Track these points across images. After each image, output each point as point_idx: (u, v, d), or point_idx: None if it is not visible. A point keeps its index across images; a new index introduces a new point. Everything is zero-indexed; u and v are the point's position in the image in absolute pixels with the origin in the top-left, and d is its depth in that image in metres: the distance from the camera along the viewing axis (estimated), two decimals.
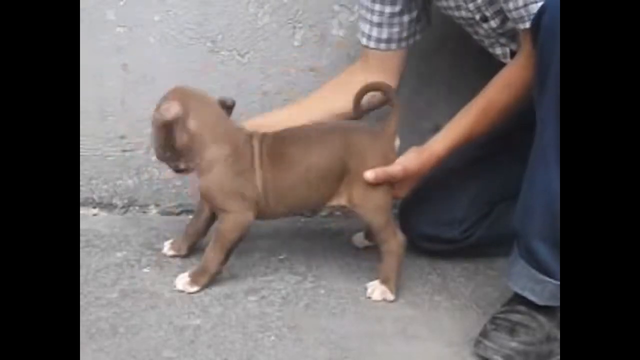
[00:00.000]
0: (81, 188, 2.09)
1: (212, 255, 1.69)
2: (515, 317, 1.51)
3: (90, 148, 2.08)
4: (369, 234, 1.89)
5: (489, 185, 1.87)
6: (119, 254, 1.88)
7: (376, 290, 1.70)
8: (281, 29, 2.07)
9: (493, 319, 1.52)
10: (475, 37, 1.84)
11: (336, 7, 2.07)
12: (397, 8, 1.82)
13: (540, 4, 1.52)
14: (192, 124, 1.65)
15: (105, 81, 2.06)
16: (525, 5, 1.60)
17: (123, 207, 2.13)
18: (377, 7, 1.83)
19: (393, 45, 1.86)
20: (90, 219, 2.08)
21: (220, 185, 1.66)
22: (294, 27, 2.07)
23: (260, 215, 1.70)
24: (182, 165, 1.71)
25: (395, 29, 1.84)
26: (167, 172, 2.09)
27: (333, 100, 1.83)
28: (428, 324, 1.64)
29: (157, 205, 2.13)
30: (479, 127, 1.70)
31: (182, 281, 1.70)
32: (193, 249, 1.84)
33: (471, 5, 1.74)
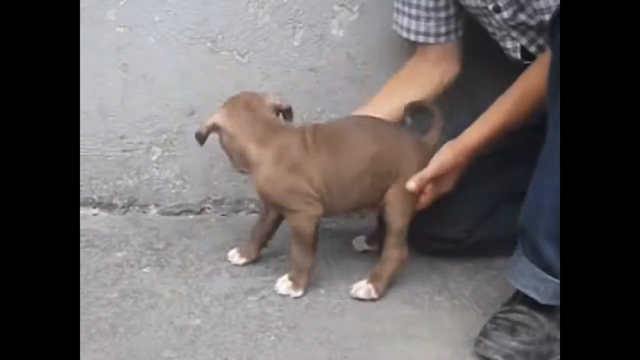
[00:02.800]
0: (81, 188, 2.09)
1: (300, 256, 1.70)
2: (516, 316, 1.51)
3: (90, 148, 2.08)
4: (371, 239, 1.90)
5: (490, 185, 1.87)
6: (119, 254, 1.88)
7: (361, 289, 1.70)
8: (281, 29, 2.07)
9: (493, 319, 1.52)
10: (488, 28, 1.83)
11: (336, 7, 2.07)
12: (431, 3, 1.85)
13: None
14: (229, 128, 1.68)
15: (105, 81, 2.06)
16: None
17: (123, 207, 2.13)
18: (414, 0, 1.86)
19: (431, 39, 1.88)
20: (90, 219, 2.08)
21: (272, 184, 1.67)
22: (294, 27, 2.07)
23: (326, 210, 1.70)
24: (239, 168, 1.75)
25: (432, 23, 1.86)
26: (168, 172, 2.11)
27: (404, 94, 1.84)
28: (428, 324, 1.64)
29: (157, 205, 2.13)
30: (517, 115, 1.69)
31: (285, 285, 1.71)
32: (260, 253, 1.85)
33: None
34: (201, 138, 1.71)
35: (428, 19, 1.86)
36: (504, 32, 1.80)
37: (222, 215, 2.13)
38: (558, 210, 1.40)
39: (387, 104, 1.84)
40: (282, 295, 1.69)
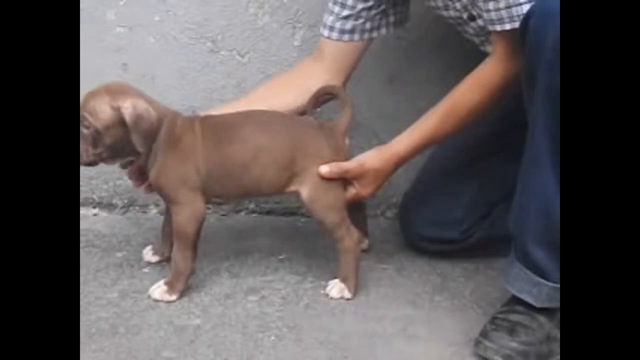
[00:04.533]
0: (81, 188, 2.09)
1: (179, 256, 1.66)
2: (515, 317, 1.51)
3: None
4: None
5: (489, 185, 1.87)
6: (119, 254, 1.88)
7: (335, 287, 1.70)
8: (281, 29, 2.07)
9: (493, 319, 1.52)
10: (466, 36, 1.84)
11: None
12: (370, 3, 1.81)
13: (523, 6, 1.53)
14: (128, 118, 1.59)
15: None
16: (508, 7, 1.59)
17: (123, 207, 2.13)
18: (350, 2, 1.81)
19: (356, 36, 1.84)
20: (90, 219, 2.08)
21: (164, 174, 1.63)
22: (294, 27, 2.07)
23: (208, 194, 1.66)
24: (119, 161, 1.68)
25: (360, 21, 1.83)
26: None
27: (284, 95, 1.81)
28: (428, 324, 1.64)
29: (157, 205, 2.13)
30: (446, 127, 1.71)
31: (159, 291, 1.67)
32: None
33: (458, 5, 1.74)
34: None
35: (358, 17, 1.81)
36: (482, 38, 1.80)
37: (222, 215, 2.13)
38: (544, 214, 1.42)
39: (265, 105, 1.76)
40: (156, 301, 1.65)
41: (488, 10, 1.63)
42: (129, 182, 1.81)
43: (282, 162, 1.64)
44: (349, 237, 1.68)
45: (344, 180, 1.69)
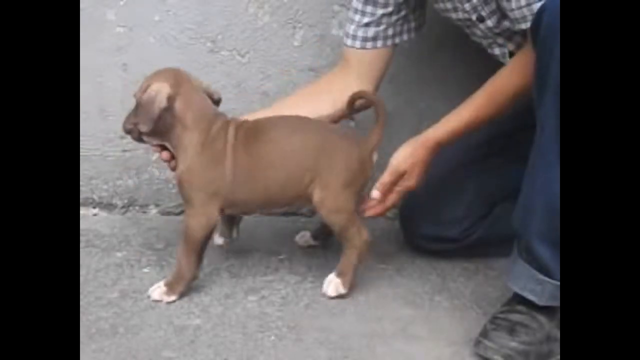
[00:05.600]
0: (81, 188, 2.09)
1: (184, 260, 1.66)
2: (515, 317, 1.51)
3: (90, 148, 2.08)
4: (315, 235, 1.89)
5: (489, 185, 1.87)
6: (119, 254, 1.88)
7: (331, 285, 1.69)
8: (281, 29, 2.07)
9: (493, 319, 1.52)
10: (473, 38, 1.84)
11: (336, 7, 2.07)
12: (390, 9, 1.82)
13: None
14: (178, 107, 1.62)
15: (105, 81, 2.06)
16: (529, 4, 1.60)
17: (123, 207, 2.13)
18: (369, 9, 1.82)
19: (379, 43, 1.84)
20: (90, 219, 2.08)
21: (191, 173, 1.64)
22: (294, 27, 2.07)
23: (229, 204, 1.66)
24: (154, 142, 1.68)
25: (382, 27, 1.83)
26: (168, 172, 2.11)
27: (315, 103, 1.81)
28: (428, 324, 1.64)
29: (157, 205, 2.13)
30: (485, 112, 1.69)
31: (158, 291, 1.66)
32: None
33: (467, 5, 1.74)
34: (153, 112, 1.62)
35: (379, 24, 1.82)
36: (490, 40, 1.80)
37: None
38: (550, 211, 1.41)
39: (293, 109, 1.76)
40: (155, 301, 1.65)
41: (512, 10, 1.64)
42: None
43: (306, 164, 1.64)
44: (359, 236, 1.67)
45: (360, 181, 1.68)
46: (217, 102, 1.72)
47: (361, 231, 1.68)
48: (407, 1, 1.82)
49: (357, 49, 1.84)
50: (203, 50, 2.06)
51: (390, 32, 1.84)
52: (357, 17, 1.83)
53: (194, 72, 2.04)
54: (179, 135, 1.64)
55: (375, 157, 1.70)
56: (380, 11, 1.81)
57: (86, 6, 1.99)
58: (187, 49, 2.06)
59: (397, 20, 1.83)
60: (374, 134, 1.69)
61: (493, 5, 1.71)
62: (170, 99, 1.62)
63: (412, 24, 1.87)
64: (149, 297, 1.66)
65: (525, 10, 1.62)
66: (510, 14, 1.66)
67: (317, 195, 1.65)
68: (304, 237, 1.92)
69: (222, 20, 2.05)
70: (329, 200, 1.65)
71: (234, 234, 1.83)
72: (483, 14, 1.74)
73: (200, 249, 1.66)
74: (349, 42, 1.85)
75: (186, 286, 1.67)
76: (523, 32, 1.68)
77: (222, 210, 1.67)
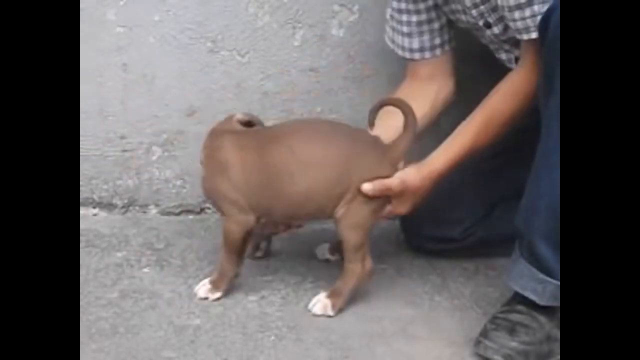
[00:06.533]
0: (81, 188, 2.09)
1: (224, 261, 1.67)
2: (515, 317, 1.51)
3: (90, 148, 2.08)
4: (333, 249, 1.84)
5: (489, 185, 1.87)
6: (119, 254, 1.88)
7: (318, 303, 1.64)
8: (281, 29, 2.07)
9: (493, 319, 1.52)
10: (482, 40, 1.83)
11: (336, 7, 2.07)
12: (423, 17, 1.82)
13: None
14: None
15: (105, 81, 2.06)
16: (533, 15, 1.57)
17: (123, 207, 2.13)
18: (405, 17, 1.83)
19: (427, 54, 1.84)
20: (90, 219, 2.08)
21: (204, 183, 1.67)
22: (294, 27, 2.07)
23: (255, 211, 1.63)
24: None
25: (426, 37, 1.83)
26: (168, 172, 2.11)
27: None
28: (428, 324, 1.64)
29: (157, 205, 2.13)
30: (481, 140, 1.68)
31: (204, 289, 1.68)
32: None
33: (474, 12, 1.74)
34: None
35: (421, 33, 1.83)
36: (496, 45, 1.79)
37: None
38: (554, 212, 1.41)
39: (383, 128, 1.68)
40: (202, 299, 1.67)
41: (514, 20, 1.61)
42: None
43: (333, 177, 1.57)
44: (362, 264, 1.63)
45: (383, 200, 1.63)
46: (255, 121, 1.70)
47: (366, 259, 1.64)
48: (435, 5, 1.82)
49: (417, 59, 1.85)
50: (203, 50, 2.06)
51: (437, 41, 1.84)
52: (399, 27, 1.84)
53: (194, 72, 2.06)
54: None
55: (401, 166, 1.64)
56: (414, 18, 1.81)
57: (86, 6, 1.99)
58: (187, 49, 2.06)
59: (441, 27, 1.83)
60: (402, 141, 1.62)
61: (501, 13, 1.70)
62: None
63: (453, 32, 1.87)
64: (150, 297, 1.66)
65: (529, 22, 1.59)
66: (512, 24, 1.64)
67: (340, 210, 1.60)
68: (322, 250, 1.87)
69: (222, 20, 2.05)
70: (350, 214, 1.60)
71: (258, 253, 1.84)
72: (490, 20, 1.73)
73: (237, 249, 1.66)
74: (399, 52, 1.87)
75: (229, 283, 1.68)
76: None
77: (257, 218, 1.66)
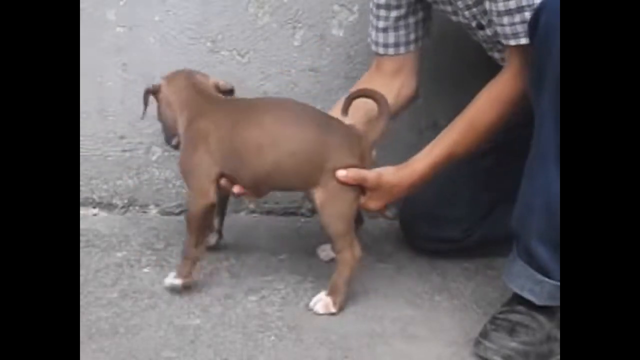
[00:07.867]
0: (81, 188, 2.09)
1: (186, 242, 1.68)
2: (515, 317, 1.51)
3: (90, 148, 2.08)
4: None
5: (489, 185, 1.87)
6: (119, 254, 1.88)
7: (320, 302, 1.64)
8: (281, 29, 2.07)
9: (493, 319, 1.52)
10: (474, 38, 1.83)
11: (336, 7, 2.07)
12: (403, 11, 1.81)
13: None
14: (168, 93, 1.72)
15: (105, 81, 2.06)
16: (523, 22, 1.56)
17: (123, 207, 2.13)
18: (382, 12, 1.82)
19: (402, 49, 1.84)
20: (90, 219, 2.08)
21: (182, 160, 1.68)
22: (294, 27, 2.07)
23: (231, 178, 1.64)
24: (173, 142, 1.76)
25: (402, 32, 1.83)
26: (168, 172, 2.11)
27: (360, 109, 1.72)
28: (428, 324, 1.64)
29: (157, 205, 2.13)
30: (464, 145, 1.67)
31: (170, 278, 1.69)
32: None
33: (467, 13, 1.74)
34: (145, 98, 1.74)
35: (397, 28, 1.82)
36: (489, 45, 1.79)
37: None
38: (549, 211, 1.42)
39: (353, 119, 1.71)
40: (168, 288, 1.69)
41: (502, 25, 1.61)
42: None
43: (304, 156, 1.59)
44: (350, 251, 1.62)
45: (360, 189, 1.63)
46: (226, 92, 1.75)
47: (353, 244, 1.63)
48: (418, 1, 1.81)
49: (381, 55, 1.84)
50: (203, 50, 2.06)
51: (412, 36, 1.83)
52: (374, 22, 1.83)
53: None
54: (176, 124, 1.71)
55: (374, 153, 1.67)
56: (393, 13, 1.81)
57: (86, 6, 1.99)
58: (187, 49, 2.06)
59: (417, 22, 1.83)
60: (375, 128, 1.64)
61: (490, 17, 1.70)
62: (156, 87, 1.73)
63: (430, 24, 1.86)
64: (150, 297, 1.66)
65: (518, 27, 1.58)
66: (500, 29, 1.62)
67: (318, 196, 1.61)
68: (325, 251, 1.86)
69: (222, 20, 2.05)
70: (330, 202, 1.61)
71: (212, 239, 1.84)
72: (482, 22, 1.73)
73: (197, 229, 1.66)
74: (373, 47, 1.86)
75: (190, 268, 1.68)
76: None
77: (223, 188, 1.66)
